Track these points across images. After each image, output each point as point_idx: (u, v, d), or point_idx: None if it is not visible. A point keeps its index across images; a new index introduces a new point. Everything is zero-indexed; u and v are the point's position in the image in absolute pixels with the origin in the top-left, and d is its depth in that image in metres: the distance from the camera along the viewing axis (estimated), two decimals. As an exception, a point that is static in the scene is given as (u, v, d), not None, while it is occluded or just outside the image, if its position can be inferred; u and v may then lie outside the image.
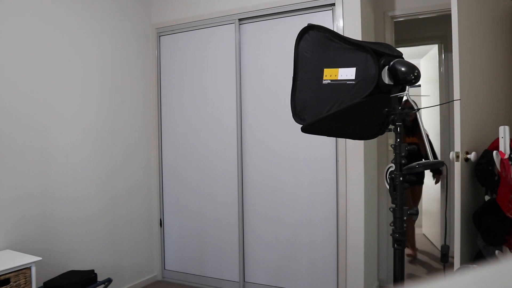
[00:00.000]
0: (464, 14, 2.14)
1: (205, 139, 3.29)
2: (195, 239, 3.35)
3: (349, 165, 2.77)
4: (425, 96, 4.62)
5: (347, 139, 2.75)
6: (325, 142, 2.85)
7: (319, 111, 1.48)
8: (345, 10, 2.77)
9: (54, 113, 2.68)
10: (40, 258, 2.18)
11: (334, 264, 2.83)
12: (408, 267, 3.64)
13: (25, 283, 2.07)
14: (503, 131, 2.05)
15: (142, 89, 3.41)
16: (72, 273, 2.53)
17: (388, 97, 1.42)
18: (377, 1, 3.14)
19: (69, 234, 2.75)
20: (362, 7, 2.76)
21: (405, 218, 1.44)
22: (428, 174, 3.93)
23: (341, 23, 2.78)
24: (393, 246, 1.47)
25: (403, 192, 1.44)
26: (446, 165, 1.49)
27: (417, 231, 4.19)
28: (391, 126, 1.47)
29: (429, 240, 4.47)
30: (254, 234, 3.11)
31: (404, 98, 1.45)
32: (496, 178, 2.12)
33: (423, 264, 3.76)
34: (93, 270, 2.57)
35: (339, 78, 1.43)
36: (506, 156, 2.01)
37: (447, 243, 1.57)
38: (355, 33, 2.72)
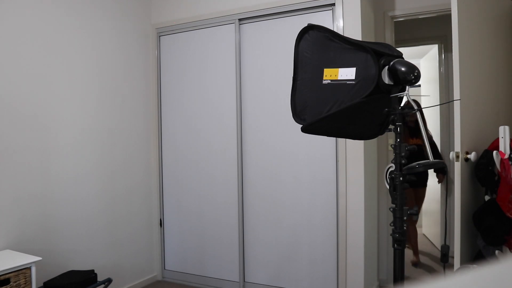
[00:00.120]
0: (464, 14, 2.14)
1: (205, 139, 3.29)
2: (195, 239, 3.35)
3: (349, 165, 2.77)
4: (425, 96, 4.62)
5: (347, 139, 2.75)
6: (325, 142, 2.85)
7: (319, 111, 1.48)
8: (345, 10, 2.77)
9: (54, 113, 2.68)
10: (40, 258, 2.18)
11: (334, 264, 2.83)
12: (408, 268, 3.64)
13: (25, 283, 2.07)
14: (503, 131, 2.05)
15: (142, 89, 3.41)
16: (72, 273, 2.53)
17: (388, 97, 1.42)
18: (377, 1, 3.14)
19: (69, 234, 2.75)
20: (362, 7, 2.76)
21: (405, 218, 1.44)
22: (431, 175, 3.90)
23: (341, 23, 2.78)
24: (393, 246, 1.47)
25: (403, 192, 1.44)
26: (446, 165, 1.49)
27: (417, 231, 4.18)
28: (391, 126, 1.47)
29: (429, 240, 4.47)
30: (254, 234, 3.11)
31: (405, 99, 1.45)
32: (496, 178, 2.12)
33: (422, 265, 3.76)
34: (93, 270, 2.57)
35: (339, 78, 1.43)
36: (506, 156, 2.01)
37: (447, 243, 1.57)
38: (355, 33, 2.72)
